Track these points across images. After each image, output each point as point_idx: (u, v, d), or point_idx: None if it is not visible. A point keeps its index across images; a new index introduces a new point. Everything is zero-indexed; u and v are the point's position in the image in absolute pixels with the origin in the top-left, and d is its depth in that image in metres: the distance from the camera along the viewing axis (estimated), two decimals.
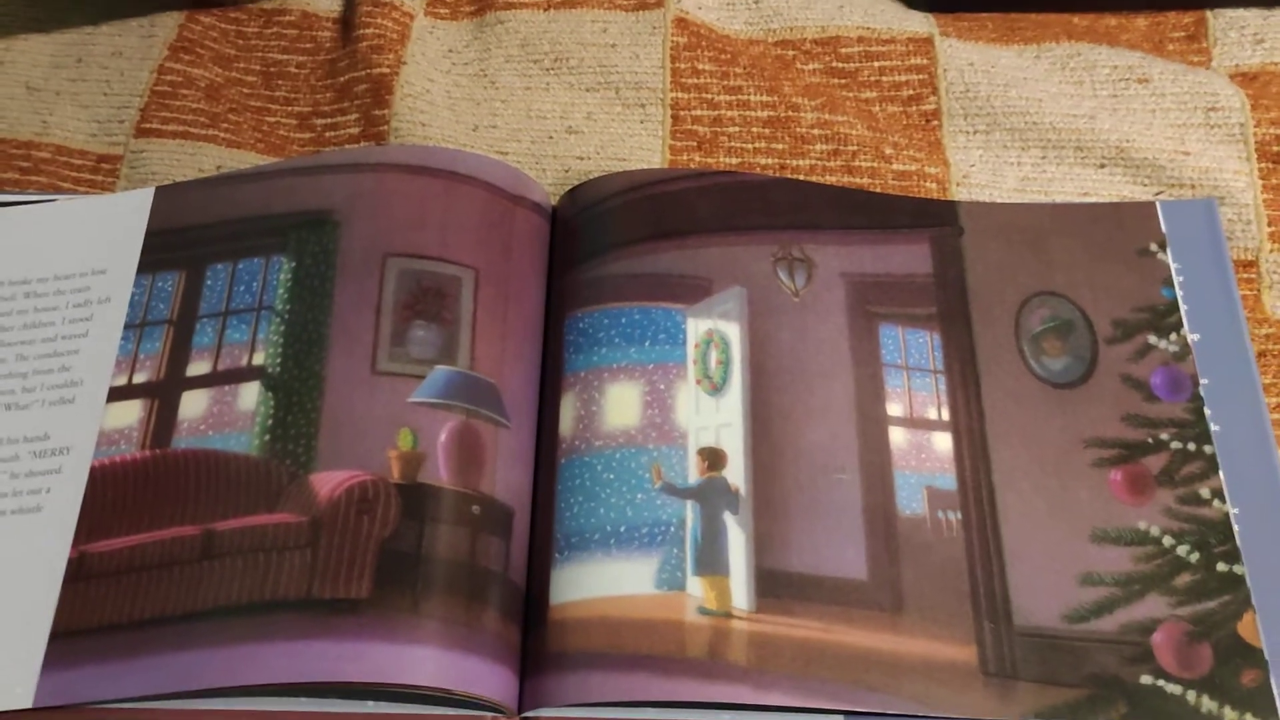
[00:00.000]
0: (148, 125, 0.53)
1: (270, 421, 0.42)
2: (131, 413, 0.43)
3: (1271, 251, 0.48)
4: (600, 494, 0.41)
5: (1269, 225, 0.48)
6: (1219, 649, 0.39)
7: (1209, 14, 0.54)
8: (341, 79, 0.54)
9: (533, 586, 0.41)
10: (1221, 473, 0.41)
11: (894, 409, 0.43)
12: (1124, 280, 0.45)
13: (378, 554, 0.39)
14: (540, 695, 0.38)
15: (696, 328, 0.44)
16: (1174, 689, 0.38)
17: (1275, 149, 0.49)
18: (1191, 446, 0.42)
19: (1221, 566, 0.40)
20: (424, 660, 0.37)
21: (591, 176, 0.49)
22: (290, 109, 0.55)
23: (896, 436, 0.42)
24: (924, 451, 0.42)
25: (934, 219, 0.47)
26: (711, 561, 0.40)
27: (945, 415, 0.43)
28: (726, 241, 0.46)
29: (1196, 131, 0.50)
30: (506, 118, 0.53)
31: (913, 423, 0.43)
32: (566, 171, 0.51)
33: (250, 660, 0.37)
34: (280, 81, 0.55)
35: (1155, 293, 0.45)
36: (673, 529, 0.40)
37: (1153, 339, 0.44)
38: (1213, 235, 0.47)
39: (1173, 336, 0.44)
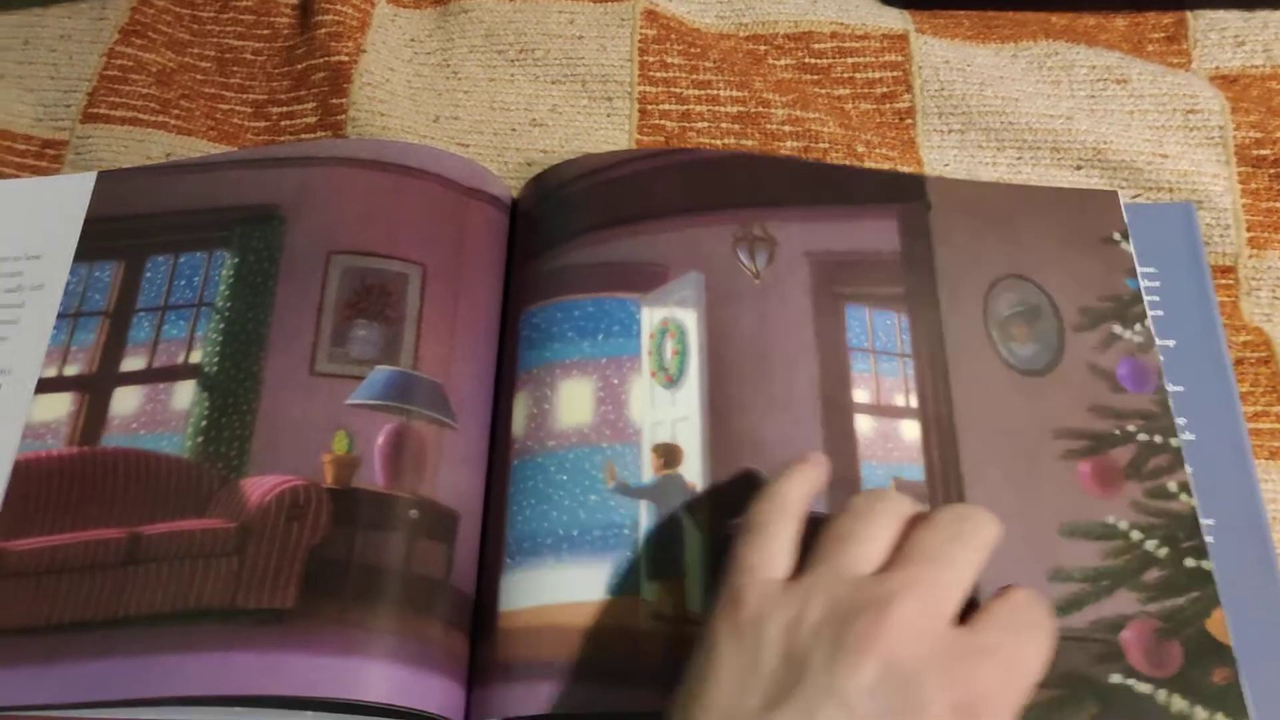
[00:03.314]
0: (95, 110, 0.51)
1: (204, 423, 0.40)
2: (61, 406, 0.41)
3: (1250, 257, 0.47)
4: (552, 496, 0.39)
5: (1248, 230, 0.47)
6: (1189, 647, 0.37)
7: (1189, 15, 0.53)
8: (299, 66, 0.53)
9: (483, 593, 0.39)
10: (1194, 482, 0.40)
11: (860, 395, 0.41)
12: (1089, 267, 0.44)
13: (306, 562, 0.37)
14: (487, 706, 0.37)
15: (651, 317, 0.43)
16: (1144, 688, 0.37)
17: (1255, 153, 0.48)
18: (1158, 439, 0.41)
19: (1189, 562, 0.39)
20: (349, 671, 0.35)
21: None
22: (245, 96, 0.53)
23: (863, 425, 0.41)
24: (891, 441, 0.41)
25: (901, 193, 0.46)
26: (666, 564, 0.38)
27: (913, 402, 0.41)
28: (684, 224, 0.44)
29: (1175, 134, 0.49)
30: (469, 109, 0.51)
31: (880, 410, 0.41)
32: (529, 165, 0.50)
33: (172, 671, 0.35)
34: (235, 68, 0.54)
35: (1119, 282, 0.44)
36: (626, 531, 0.39)
37: (1117, 329, 0.43)
38: (1190, 240, 0.46)
39: (1137, 327, 0.43)
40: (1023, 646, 0.31)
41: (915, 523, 0.33)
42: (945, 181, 0.46)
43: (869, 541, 0.32)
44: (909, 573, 0.31)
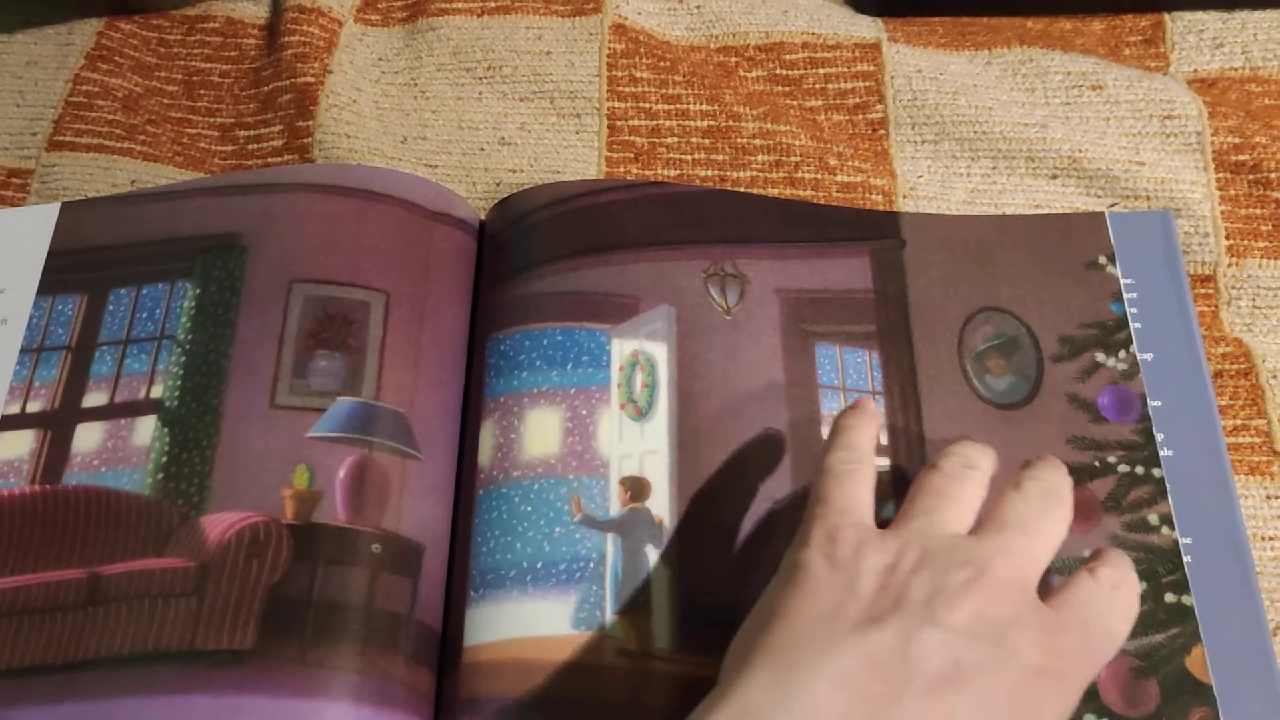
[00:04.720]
0: (60, 138, 0.51)
1: (164, 459, 0.40)
2: (23, 444, 0.41)
3: (1230, 265, 0.46)
4: (517, 528, 0.39)
5: (1227, 238, 0.46)
6: (1166, 685, 0.37)
7: (1167, 17, 0.52)
8: (265, 89, 0.52)
9: (449, 627, 0.39)
10: (1171, 499, 0.39)
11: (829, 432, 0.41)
12: (1071, 295, 0.43)
13: (265, 600, 0.36)
14: None
15: (621, 349, 0.42)
16: None
17: (1233, 159, 0.47)
18: (1140, 470, 0.40)
19: (1170, 597, 0.38)
20: (310, 713, 0.35)
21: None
22: (212, 120, 0.52)
23: None
24: None
25: (875, 231, 0.45)
26: (632, 599, 0.38)
27: (884, 439, 0.41)
28: (656, 257, 0.44)
29: (1152, 140, 0.48)
30: (437, 129, 0.51)
31: None
32: (498, 185, 0.49)
33: (130, 716, 0.35)
34: (202, 91, 0.53)
35: (1104, 308, 0.43)
36: (592, 565, 0.38)
37: (1100, 357, 0.42)
38: (1168, 249, 0.45)
39: (1121, 354, 0.42)
40: (1101, 622, 0.32)
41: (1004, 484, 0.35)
42: (921, 217, 0.46)
43: (961, 503, 0.34)
44: (1003, 539, 0.32)
